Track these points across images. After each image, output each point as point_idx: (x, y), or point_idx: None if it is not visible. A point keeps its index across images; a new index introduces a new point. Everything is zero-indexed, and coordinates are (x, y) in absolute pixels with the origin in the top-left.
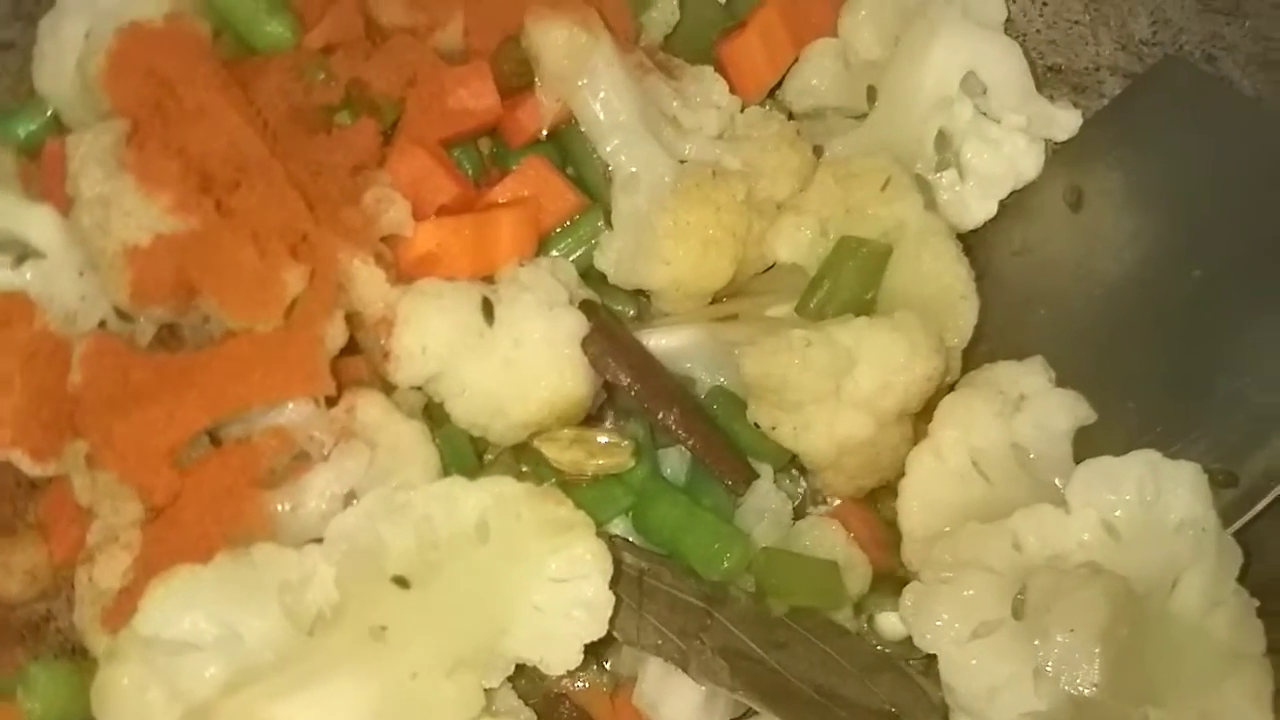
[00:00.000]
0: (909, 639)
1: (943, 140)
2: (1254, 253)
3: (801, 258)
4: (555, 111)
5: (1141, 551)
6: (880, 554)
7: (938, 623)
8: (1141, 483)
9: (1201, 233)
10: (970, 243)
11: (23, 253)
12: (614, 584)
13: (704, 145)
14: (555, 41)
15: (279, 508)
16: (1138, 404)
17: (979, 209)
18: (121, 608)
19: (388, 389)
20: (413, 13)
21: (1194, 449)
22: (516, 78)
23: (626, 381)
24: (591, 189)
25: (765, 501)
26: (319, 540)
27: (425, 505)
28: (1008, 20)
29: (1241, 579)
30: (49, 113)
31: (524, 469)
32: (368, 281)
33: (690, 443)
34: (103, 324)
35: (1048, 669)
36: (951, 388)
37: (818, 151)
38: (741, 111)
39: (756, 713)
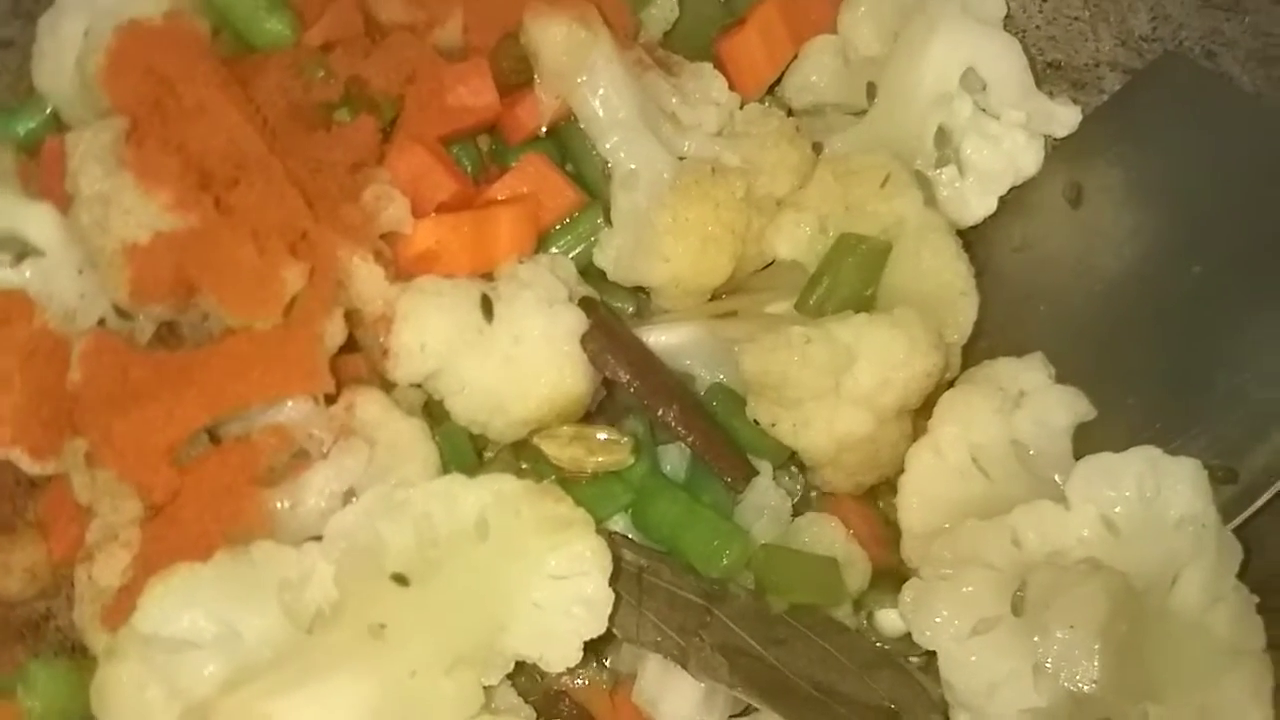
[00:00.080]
0: (908, 635)
1: (942, 136)
2: (1254, 249)
3: (801, 254)
4: (554, 108)
5: (1141, 548)
6: (880, 550)
7: (937, 619)
8: (1141, 479)
9: (1201, 229)
10: (970, 239)
11: (22, 250)
12: (613, 581)
13: (703, 142)
14: (554, 38)
15: (278, 505)
16: (1138, 400)
17: (979, 205)
18: (121, 606)
19: (387, 386)
20: (412, 10)
21: (1194, 445)
22: (515, 75)
23: (626, 378)
24: (591, 186)
25: (764, 498)
26: (318, 538)
27: (425, 503)
28: (1007, 16)
29: (1241, 575)
30: (48, 110)
31: (523, 466)
32: (367, 279)
33: (690, 439)
34: (102, 322)
35: (1047, 665)
36: (951, 384)
37: (817, 148)
38: (741, 108)
39: (756, 710)
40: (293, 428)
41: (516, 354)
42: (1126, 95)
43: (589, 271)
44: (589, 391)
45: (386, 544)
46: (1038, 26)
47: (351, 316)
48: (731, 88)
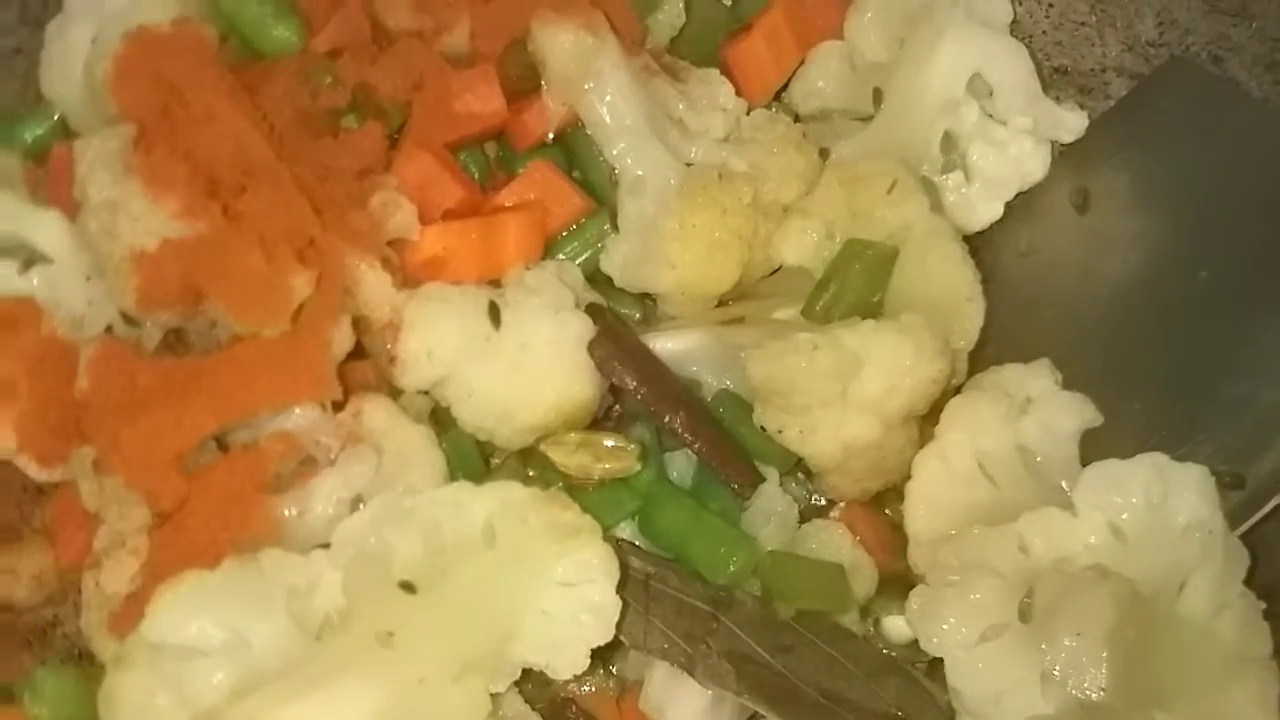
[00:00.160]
0: (915, 642)
1: (949, 142)
2: (1260, 254)
3: (807, 260)
4: (561, 115)
5: (1148, 554)
6: (886, 557)
7: (944, 626)
8: (1148, 485)
9: (1208, 234)
10: (976, 245)
11: (30, 257)
12: (621, 588)
13: (710, 148)
14: (561, 45)
15: (286, 513)
16: (1144, 406)
17: (985, 211)
18: (129, 613)
19: (394, 393)
20: (419, 16)
21: (1201, 451)
22: (523, 81)
23: (633, 385)
24: (597, 192)
25: (771, 505)
26: (326, 545)
27: (432, 510)
28: (1014, 22)
29: (1248, 581)
30: (56, 117)
31: (530, 473)
32: (374, 286)
33: (696, 446)
34: (109, 329)
35: (1055, 673)
36: (958, 390)
37: (824, 154)
38: (747, 114)
39: (763, 717)
40: (300, 435)
41: (524, 360)
42: (1133, 100)
43: (596, 278)
44: (596, 398)
45: (394, 551)
46: (1044, 32)
47: (359, 323)
48: (738, 93)
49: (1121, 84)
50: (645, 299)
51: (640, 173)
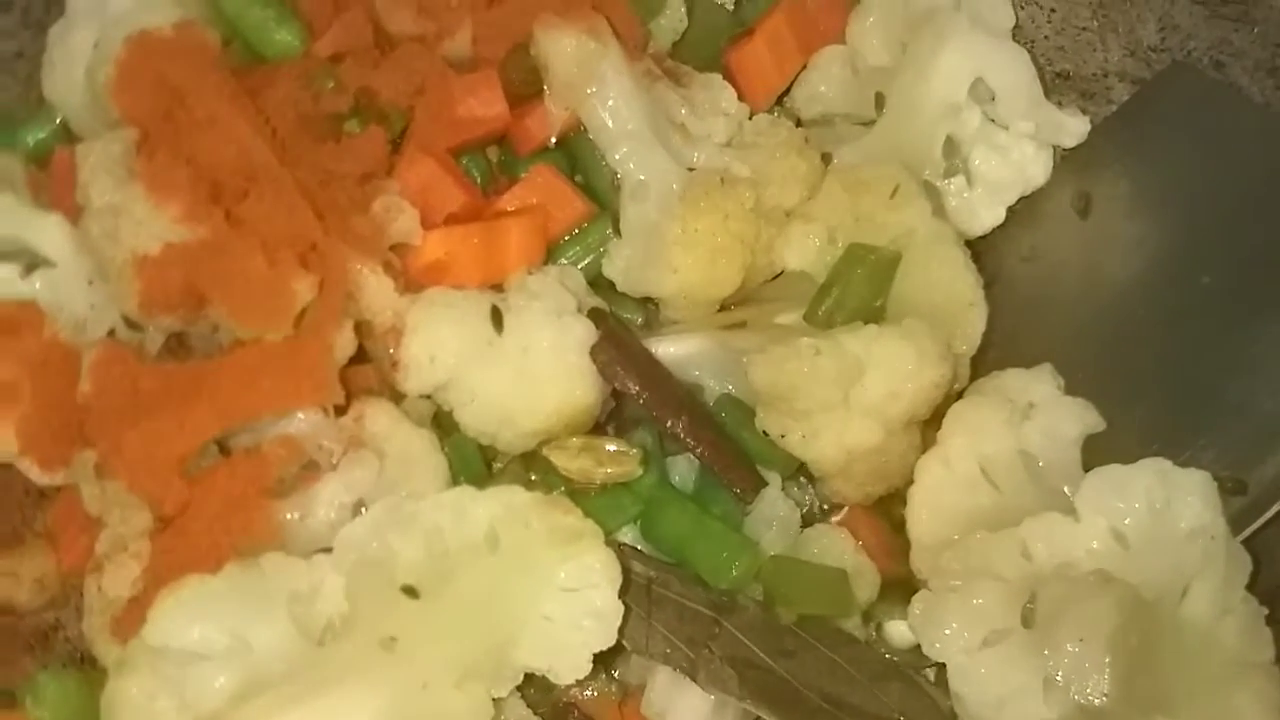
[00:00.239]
0: (918, 647)
1: (951, 147)
2: (1262, 259)
3: (810, 265)
4: (564, 119)
5: (1151, 560)
6: (889, 562)
7: (947, 631)
8: (1151, 491)
9: (1210, 239)
10: (979, 249)
11: (32, 261)
12: (623, 593)
13: (712, 153)
14: (564, 49)
15: (288, 517)
16: (1147, 411)
17: (987, 215)
18: (131, 617)
19: (397, 398)
20: (421, 21)
21: (1203, 456)
22: (525, 86)
23: (635, 389)
24: (600, 197)
25: (774, 509)
26: (328, 550)
27: (434, 514)
28: (1016, 27)
29: (1251, 587)
30: (58, 121)
31: (533, 477)
32: (377, 290)
33: (699, 451)
34: (112, 333)
35: (1058, 678)
36: (960, 395)
37: (826, 158)
38: (750, 119)
39: None
40: (302, 439)
41: (526, 365)
42: (1135, 105)
43: (598, 282)
44: (598, 403)
45: (396, 556)
46: (1046, 37)
47: (361, 328)
48: (740, 98)
49: (1123, 89)
50: (647, 303)
51: (643, 177)
